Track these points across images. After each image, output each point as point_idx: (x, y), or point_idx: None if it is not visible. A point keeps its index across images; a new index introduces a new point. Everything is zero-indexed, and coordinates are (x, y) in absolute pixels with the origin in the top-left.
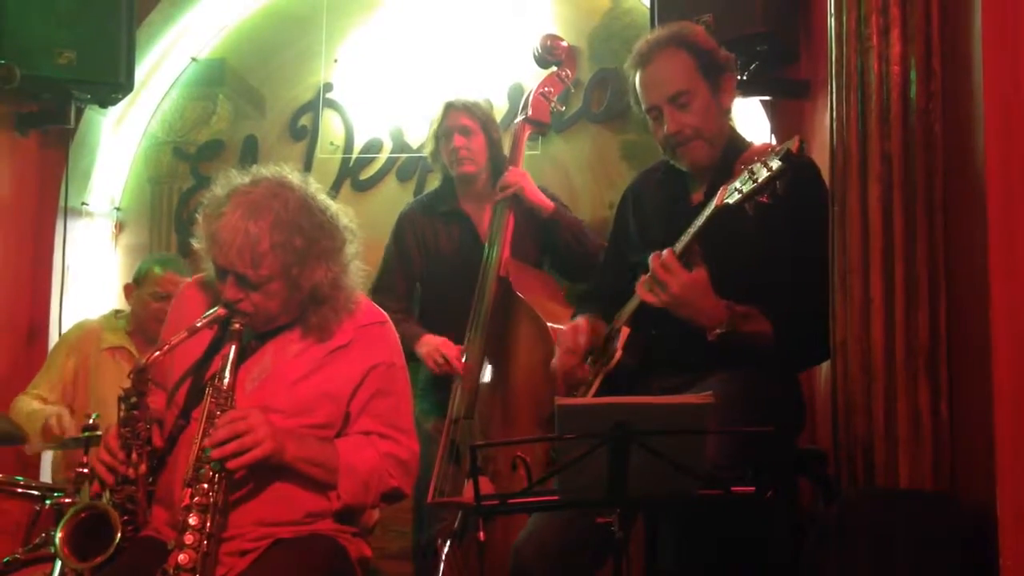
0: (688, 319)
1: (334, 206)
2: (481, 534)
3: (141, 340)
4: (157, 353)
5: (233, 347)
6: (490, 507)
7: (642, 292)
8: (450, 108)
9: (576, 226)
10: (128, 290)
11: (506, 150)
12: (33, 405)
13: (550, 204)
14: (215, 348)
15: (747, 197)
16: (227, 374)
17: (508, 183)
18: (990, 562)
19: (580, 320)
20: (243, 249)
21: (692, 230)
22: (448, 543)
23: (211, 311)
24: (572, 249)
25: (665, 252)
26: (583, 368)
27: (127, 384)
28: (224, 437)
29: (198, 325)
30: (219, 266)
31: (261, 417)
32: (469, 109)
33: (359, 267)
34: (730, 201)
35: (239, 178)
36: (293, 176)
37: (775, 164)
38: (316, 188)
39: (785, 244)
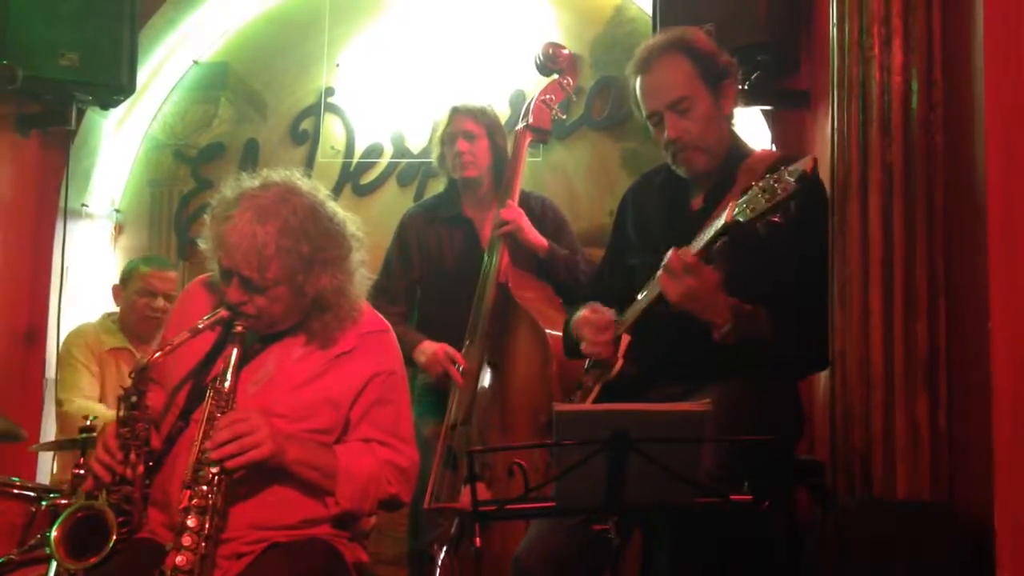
0: (695, 314)
1: (341, 213)
2: (477, 540)
3: (134, 341)
4: (159, 353)
5: (235, 350)
6: (487, 513)
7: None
8: (455, 113)
9: (571, 263)
10: (116, 291)
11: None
12: (99, 407)
13: (544, 243)
14: (217, 350)
15: (759, 216)
16: (229, 377)
17: (506, 220)
18: (987, 573)
19: (591, 304)
20: (250, 252)
21: (699, 244)
22: (444, 549)
23: (214, 313)
24: (567, 282)
25: (683, 251)
26: (610, 347)
27: (127, 383)
28: (225, 438)
29: (200, 326)
30: (225, 268)
31: (262, 419)
32: (474, 114)
33: (364, 275)
34: (740, 219)
35: (248, 181)
36: (302, 182)
37: (789, 185)
38: (325, 195)
39: (788, 251)
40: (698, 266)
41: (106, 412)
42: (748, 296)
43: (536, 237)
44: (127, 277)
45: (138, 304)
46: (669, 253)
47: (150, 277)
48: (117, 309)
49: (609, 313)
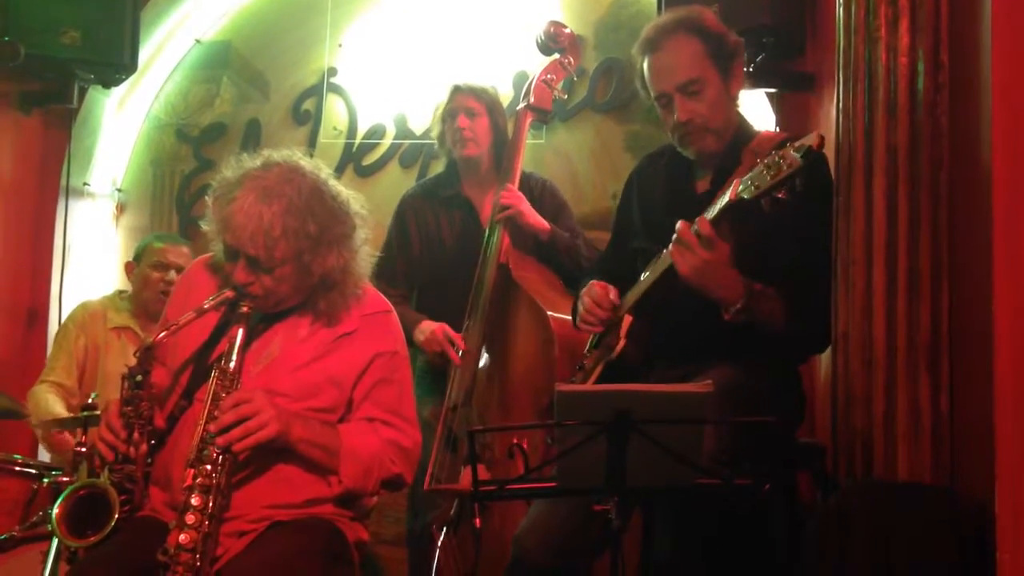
0: (706, 292)
1: (345, 192)
2: (477, 521)
3: (144, 319)
4: (164, 333)
5: (241, 330)
6: (487, 493)
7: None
8: (457, 91)
9: (572, 248)
10: (129, 268)
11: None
12: (55, 404)
13: (546, 226)
14: (221, 330)
15: (764, 193)
16: (234, 356)
17: (506, 203)
18: (988, 555)
19: (604, 283)
20: (256, 233)
21: (709, 217)
22: (444, 530)
23: (219, 293)
24: (567, 267)
25: (698, 220)
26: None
27: (132, 362)
28: (229, 421)
29: (206, 307)
30: (231, 248)
31: (266, 399)
32: (476, 92)
33: (368, 253)
34: (745, 196)
35: (249, 161)
36: (305, 161)
37: (795, 161)
38: (328, 174)
39: (792, 231)
40: (712, 237)
41: (57, 411)
42: (752, 276)
43: (537, 220)
44: (140, 253)
45: (152, 278)
46: (679, 225)
47: (164, 251)
48: (128, 288)
49: (613, 295)
